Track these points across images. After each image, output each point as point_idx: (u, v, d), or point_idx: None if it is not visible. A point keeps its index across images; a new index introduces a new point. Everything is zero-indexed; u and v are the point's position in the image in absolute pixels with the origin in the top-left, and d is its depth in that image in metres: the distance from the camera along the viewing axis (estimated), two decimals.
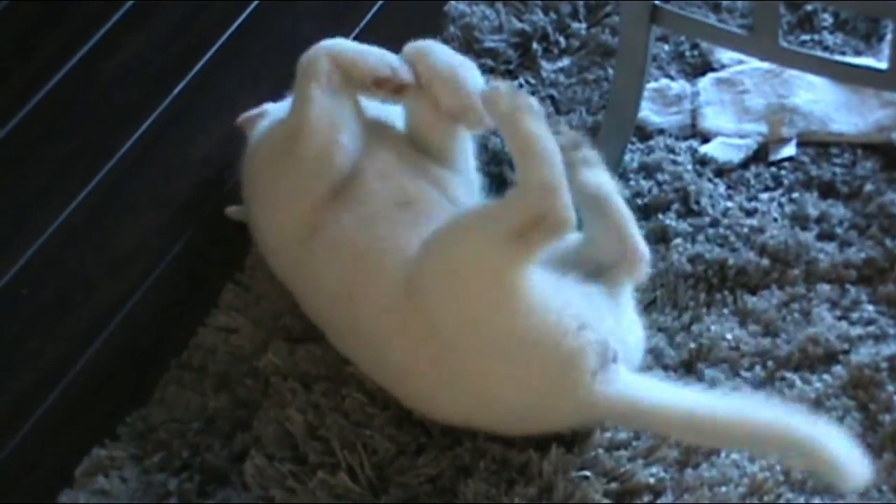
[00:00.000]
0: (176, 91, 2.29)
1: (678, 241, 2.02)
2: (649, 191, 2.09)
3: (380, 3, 2.49)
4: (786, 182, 2.09)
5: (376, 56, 2.00)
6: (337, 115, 1.95)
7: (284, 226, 1.95)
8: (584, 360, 1.74)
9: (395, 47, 2.37)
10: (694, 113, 2.20)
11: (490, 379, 1.76)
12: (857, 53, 2.22)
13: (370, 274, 1.84)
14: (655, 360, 1.91)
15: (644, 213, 2.07)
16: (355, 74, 1.97)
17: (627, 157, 2.12)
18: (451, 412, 1.83)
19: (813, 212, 2.04)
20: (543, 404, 1.78)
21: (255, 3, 2.52)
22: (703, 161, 2.13)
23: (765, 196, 2.08)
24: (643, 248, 1.85)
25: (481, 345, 1.75)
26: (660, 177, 2.10)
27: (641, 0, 1.92)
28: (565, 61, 2.31)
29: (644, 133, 2.18)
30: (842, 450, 1.64)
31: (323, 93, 1.95)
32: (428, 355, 1.78)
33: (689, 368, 1.91)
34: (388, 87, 1.97)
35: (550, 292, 1.76)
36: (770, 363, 1.88)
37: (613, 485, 1.79)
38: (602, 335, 1.76)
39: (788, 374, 1.87)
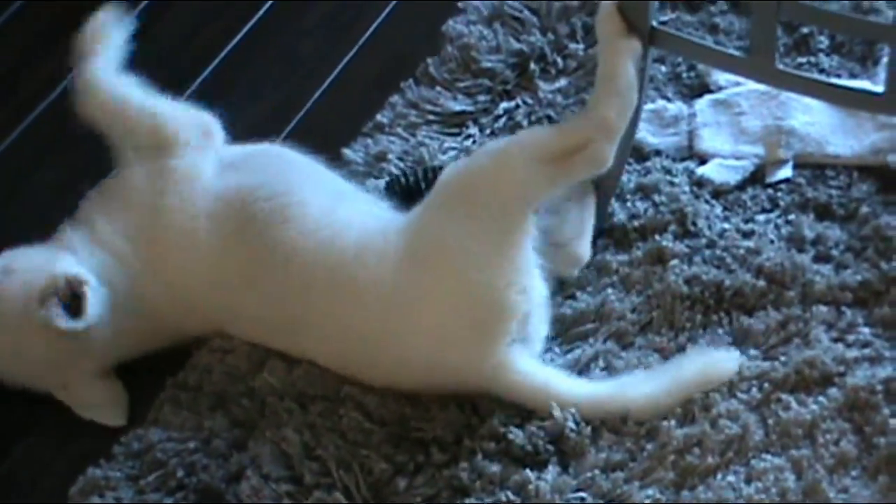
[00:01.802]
0: None
1: (675, 262, 2.02)
2: (646, 212, 2.10)
3: (377, 22, 2.50)
4: (782, 204, 2.09)
5: None
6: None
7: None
8: (511, 319, 1.85)
9: (393, 66, 2.39)
10: (691, 134, 2.20)
11: (433, 304, 1.85)
12: (853, 76, 2.22)
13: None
14: None
15: (641, 234, 2.07)
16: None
17: (624, 178, 2.12)
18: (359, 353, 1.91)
19: (809, 234, 2.04)
20: (454, 351, 1.86)
21: (256, 18, 2.54)
22: (699, 182, 2.13)
23: (761, 218, 2.08)
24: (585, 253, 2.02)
25: (458, 252, 1.85)
26: (656, 198, 2.11)
27: (639, 22, 1.92)
28: (563, 82, 2.31)
29: (641, 154, 2.18)
30: (706, 359, 1.89)
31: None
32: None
33: None
34: None
35: (528, 246, 1.88)
36: (766, 385, 1.88)
37: None
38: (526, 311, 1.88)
39: (784, 396, 1.87)
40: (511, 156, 1.87)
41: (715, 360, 1.90)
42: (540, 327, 1.93)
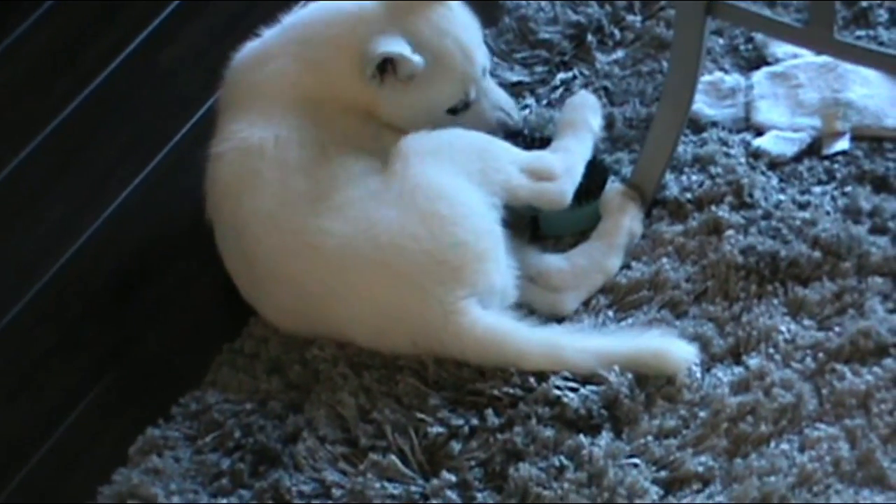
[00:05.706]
0: None
1: (730, 232, 2.02)
2: (702, 183, 2.10)
3: None
4: (839, 176, 2.09)
5: None
6: None
7: None
8: (468, 275, 1.92)
9: None
10: (747, 106, 2.20)
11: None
12: None
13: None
14: (703, 348, 1.91)
15: (696, 205, 2.08)
16: None
17: (681, 149, 2.13)
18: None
19: (865, 205, 2.04)
20: (416, 292, 1.91)
21: None
22: (756, 154, 2.13)
23: (818, 189, 2.08)
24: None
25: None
26: (713, 169, 2.11)
27: None
28: (620, 53, 2.32)
29: (697, 126, 2.18)
30: (664, 344, 1.88)
31: None
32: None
33: (737, 358, 1.91)
34: None
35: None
36: (821, 355, 1.88)
37: (663, 473, 1.80)
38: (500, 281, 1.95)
39: (839, 367, 1.87)
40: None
41: (673, 348, 1.89)
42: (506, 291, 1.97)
